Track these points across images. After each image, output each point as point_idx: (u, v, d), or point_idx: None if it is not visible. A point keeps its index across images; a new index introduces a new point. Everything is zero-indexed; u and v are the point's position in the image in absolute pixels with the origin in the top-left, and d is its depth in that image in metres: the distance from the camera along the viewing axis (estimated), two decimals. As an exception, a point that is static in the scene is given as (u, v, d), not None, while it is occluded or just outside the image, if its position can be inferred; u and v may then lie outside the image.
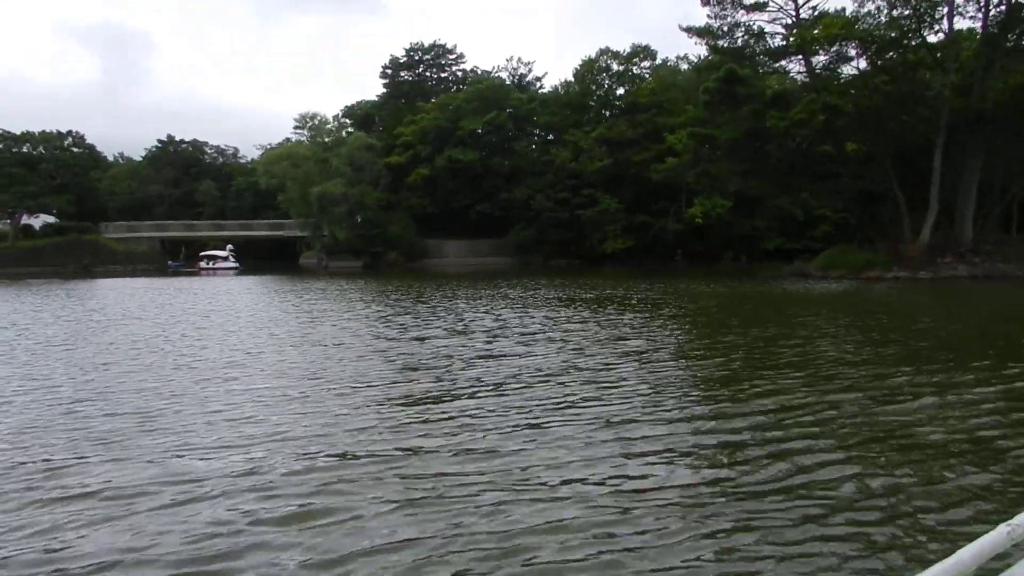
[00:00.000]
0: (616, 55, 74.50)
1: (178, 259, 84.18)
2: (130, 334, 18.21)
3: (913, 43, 34.71)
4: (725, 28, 37.65)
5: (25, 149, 73.22)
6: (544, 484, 6.41)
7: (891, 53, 34.71)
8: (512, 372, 11.88)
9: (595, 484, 6.40)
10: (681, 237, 68.30)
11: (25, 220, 73.01)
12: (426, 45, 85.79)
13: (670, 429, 8.26)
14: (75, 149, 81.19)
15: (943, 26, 34.53)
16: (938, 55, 34.81)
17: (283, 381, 11.59)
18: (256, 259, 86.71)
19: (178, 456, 7.46)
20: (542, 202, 68.38)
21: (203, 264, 74.18)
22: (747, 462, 7.03)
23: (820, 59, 37.31)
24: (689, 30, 38.37)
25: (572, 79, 78.11)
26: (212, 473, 6.85)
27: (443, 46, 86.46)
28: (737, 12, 37.26)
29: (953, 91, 33.31)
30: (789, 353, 13.25)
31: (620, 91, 75.48)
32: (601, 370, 11.90)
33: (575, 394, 10.12)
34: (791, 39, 35.54)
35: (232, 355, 14.51)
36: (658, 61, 75.14)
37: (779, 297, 26.69)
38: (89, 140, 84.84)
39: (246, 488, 6.44)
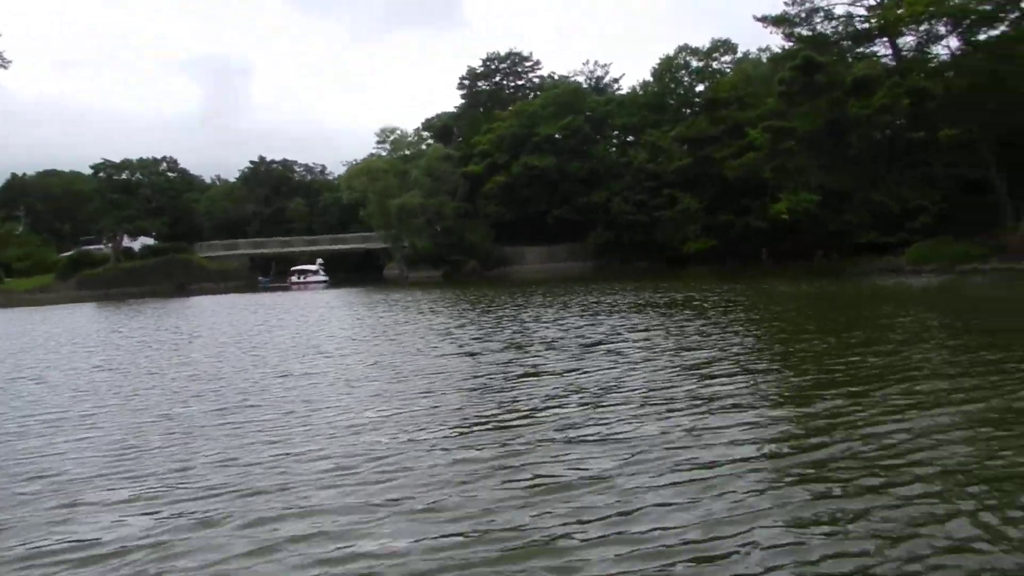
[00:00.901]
0: (695, 51, 72.64)
1: (268, 275, 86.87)
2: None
3: (1011, 16, 31.91)
4: (803, 15, 35.58)
5: (124, 176, 77.31)
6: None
7: (986, 28, 32.02)
8: (552, 392, 10.81)
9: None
10: (766, 235, 65.44)
11: (126, 243, 76.67)
12: (502, 54, 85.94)
13: (705, 483, 6.44)
14: (170, 174, 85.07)
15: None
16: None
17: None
18: (344, 272, 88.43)
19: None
20: (620, 205, 67.08)
21: (294, 279, 76.17)
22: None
23: (908, 40, 34.80)
24: (764, 19, 36.46)
25: (651, 79, 76.57)
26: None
27: (519, 54, 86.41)
28: (816, -3, 35.15)
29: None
30: (872, 365, 11.40)
31: (700, 88, 73.43)
32: (652, 391, 10.57)
33: (608, 421, 8.85)
34: (873, 21, 33.23)
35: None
36: (739, 55, 72.68)
37: (866, 295, 24.81)
38: (190, 165, 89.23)
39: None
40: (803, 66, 33.48)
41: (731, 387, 10.44)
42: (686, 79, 73.89)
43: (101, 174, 75.66)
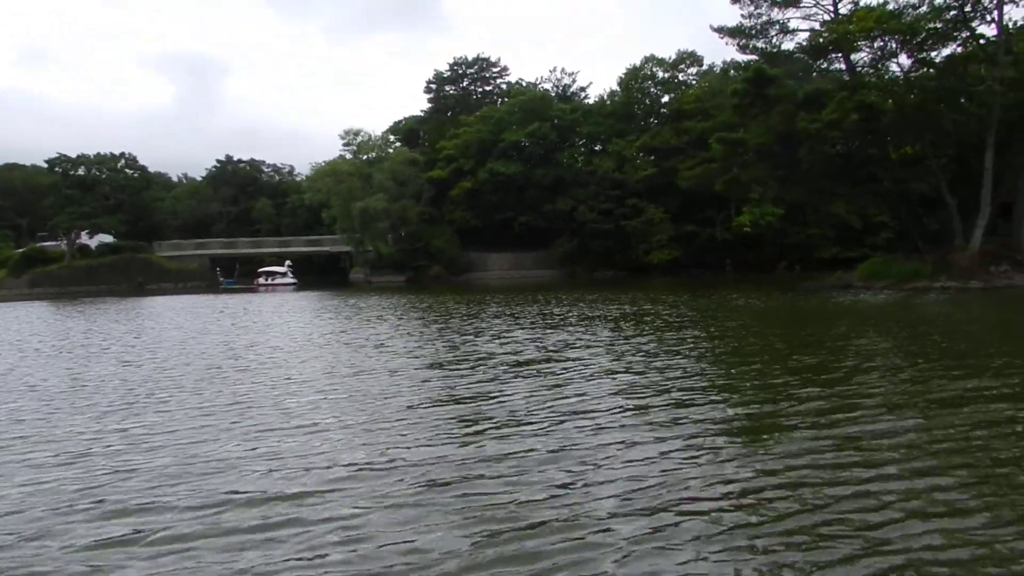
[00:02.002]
0: (661, 62, 72.87)
1: (232, 276, 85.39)
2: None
3: (960, 35, 32.23)
4: (758, 27, 35.60)
5: (81, 171, 75.61)
6: None
7: (935, 46, 32.27)
8: (440, 428, 9.39)
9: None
10: (731, 246, 66.10)
11: (85, 241, 74.96)
12: (469, 59, 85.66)
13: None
14: (128, 171, 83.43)
15: (994, 16, 31.90)
16: (988, 48, 32.27)
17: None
18: (313, 274, 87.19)
19: None
20: (585, 213, 67.02)
21: (261, 280, 74.98)
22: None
23: (863, 56, 34.98)
24: (720, 30, 36.34)
25: (617, 88, 76.71)
26: None
27: (487, 59, 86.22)
28: (772, 10, 35.26)
29: (1005, 85, 30.70)
30: (820, 395, 10.66)
31: (666, 99, 73.71)
32: (567, 418, 9.56)
33: (481, 478, 7.34)
34: (824, 36, 33.28)
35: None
36: (704, 67, 73.06)
37: (815, 312, 24.71)
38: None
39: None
40: (754, 79, 33.46)
41: (644, 427, 9.08)
42: (652, 89, 74.10)
43: (57, 169, 73.83)
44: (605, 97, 79.21)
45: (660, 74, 73.13)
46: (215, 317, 30.94)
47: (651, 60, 72.95)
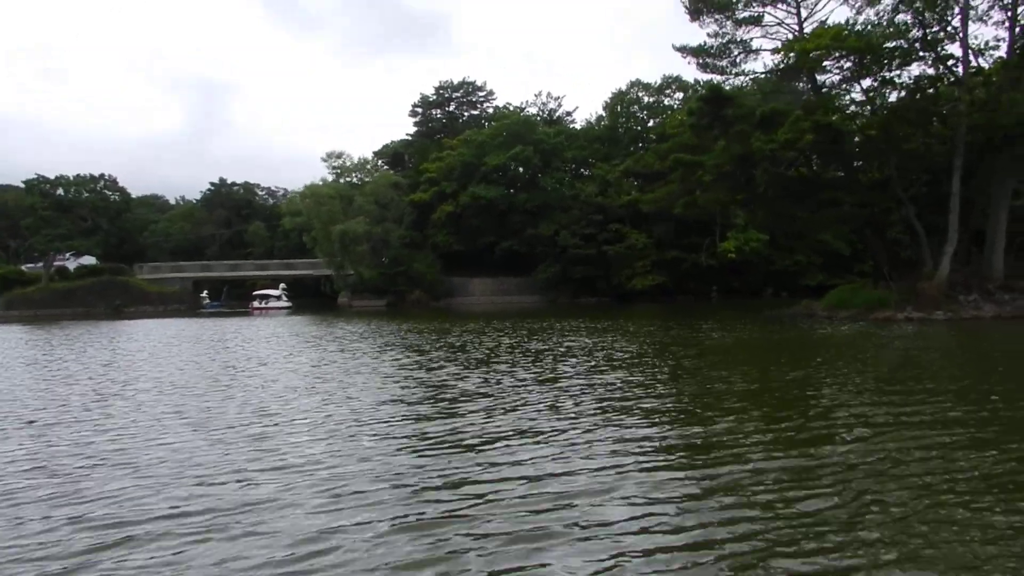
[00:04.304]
0: (647, 86, 72.01)
1: (219, 298, 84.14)
2: None
3: (928, 55, 30.98)
4: (719, 46, 34.30)
5: (60, 193, 75.06)
6: None
7: (900, 66, 31.01)
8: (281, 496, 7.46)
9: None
10: (717, 273, 64.63)
11: (62, 262, 74.24)
12: (455, 83, 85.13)
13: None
14: (108, 192, 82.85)
15: (959, 36, 30.64)
16: (954, 68, 31.02)
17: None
18: (305, 297, 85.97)
19: None
20: (567, 238, 65.83)
21: (256, 304, 73.77)
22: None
23: (830, 77, 33.69)
24: (683, 49, 35.15)
25: (603, 112, 75.95)
26: None
27: (472, 83, 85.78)
28: (736, 29, 34.02)
29: (972, 106, 29.35)
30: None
31: (652, 123, 72.75)
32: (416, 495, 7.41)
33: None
34: (780, 54, 32.08)
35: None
36: (690, 92, 72.03)
37: (774, 346, 22.86)
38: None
39: None
40: (710, 98, 32.26)
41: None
42: (639, 114, 73.19)
43: (38, 190, 73.29)
44: (594, 122, 78.48)
45: (645, 98, 72.24)
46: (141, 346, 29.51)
47: (636, 84, 72.19)
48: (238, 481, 8.09)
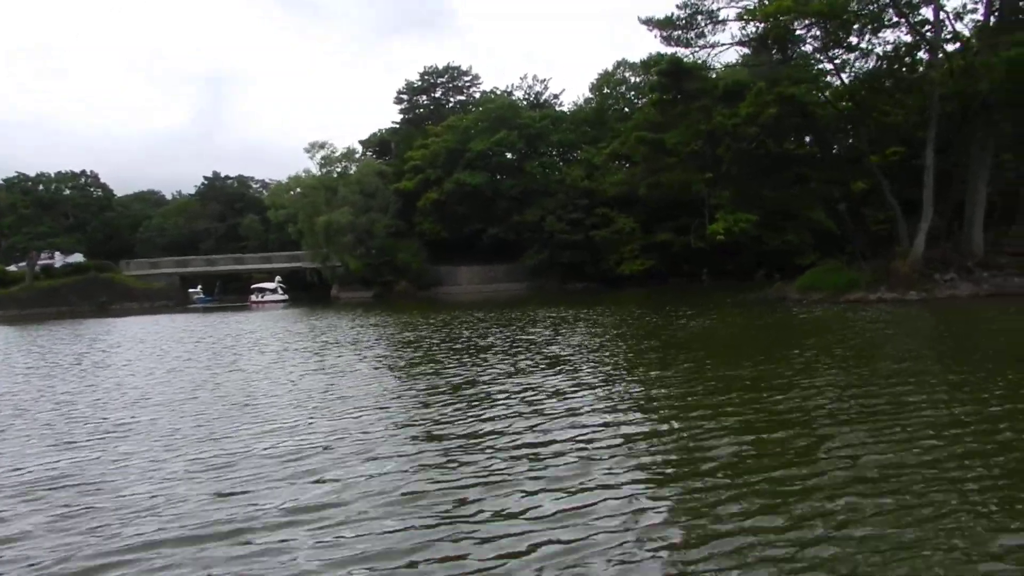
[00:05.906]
0: (633, 66, 70.38)
1: (212, 293, 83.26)
2: None
3: (896, 20, 29.35)
4: (686, 18, 32.42)
5: (40, 190, 74.22)
6: None
7: (873, 33, 29.43)
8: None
9: None
10: (708, 255, 63.15)
11: (48, 260, 73.52)
12: (440, 68, 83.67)
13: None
14: (91, 189, 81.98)
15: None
16: (928, 33, 29.46)
17: None
18: (301, 290, 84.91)
19: None
20: (553, 223, 64.60)
21: (253, 297, 73.16)
22: None
23: (802, 49, 32.08)
24: (648, 22, 33.38)
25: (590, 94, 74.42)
26: None
27: (457, 68, 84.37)
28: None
29: (949, 75, 27.85)
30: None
31: (640, 103, 71.10)
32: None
33: None
34: (747, 20, 30.28)
35: None
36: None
37: (740, 334, 21.39)
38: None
39: None
40: (670, 71, 30.87)
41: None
42: (627, 94, 71.64)
43: (19, 188, 72.48)
44: (583, 104, 76.93)
45: (632, 78, 70.66)
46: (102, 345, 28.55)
47: (623, 64, 70.67)
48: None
